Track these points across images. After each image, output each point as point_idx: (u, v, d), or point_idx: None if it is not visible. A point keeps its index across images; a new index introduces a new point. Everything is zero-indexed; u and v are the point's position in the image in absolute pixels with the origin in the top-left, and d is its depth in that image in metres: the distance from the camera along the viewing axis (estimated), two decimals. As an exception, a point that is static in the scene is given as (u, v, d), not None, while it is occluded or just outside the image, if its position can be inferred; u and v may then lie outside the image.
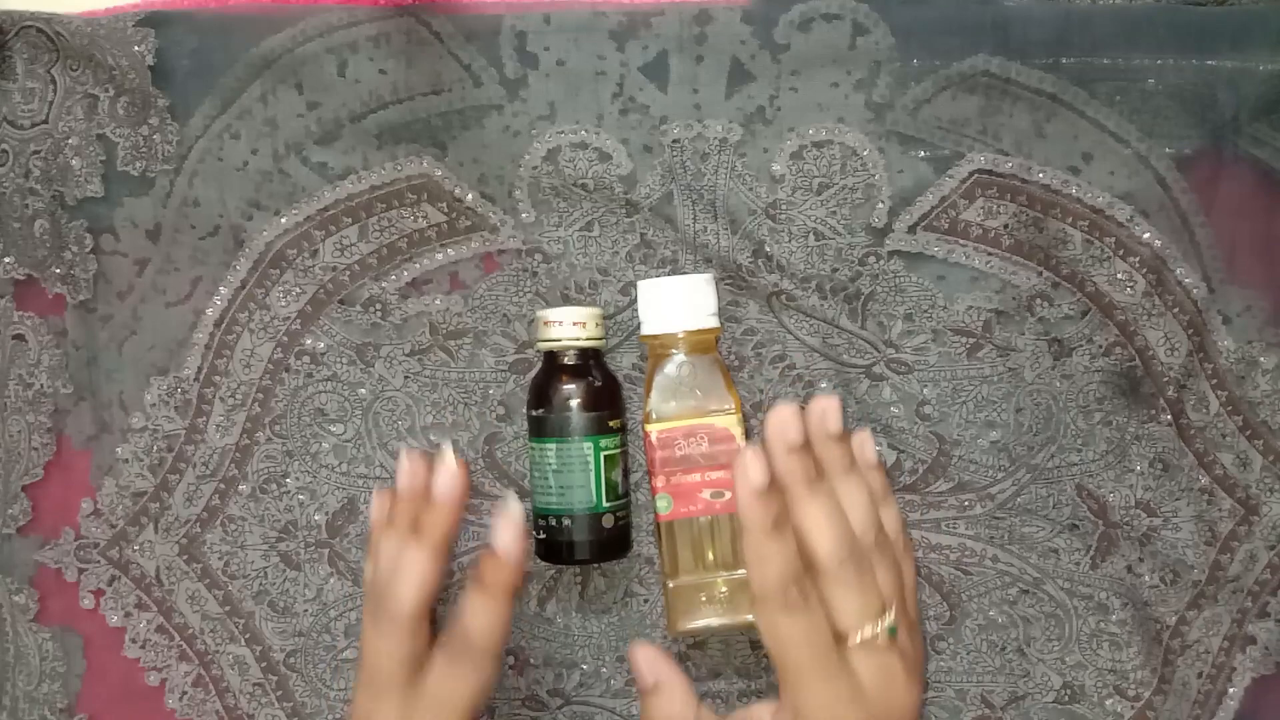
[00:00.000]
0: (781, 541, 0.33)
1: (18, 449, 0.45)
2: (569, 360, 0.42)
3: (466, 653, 0.35)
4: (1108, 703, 0.44)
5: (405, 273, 0.45)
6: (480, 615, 0.35)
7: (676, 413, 0.40)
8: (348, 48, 0.44)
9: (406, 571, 0.35)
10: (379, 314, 0.45)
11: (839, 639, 0.34)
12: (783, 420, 0.33)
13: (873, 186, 0.44)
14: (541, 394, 0.41)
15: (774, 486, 0.33)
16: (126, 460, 0.45)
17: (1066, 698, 0.44)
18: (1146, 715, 0.43)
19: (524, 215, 0.45)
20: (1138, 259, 0.44)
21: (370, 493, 0.45)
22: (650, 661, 0.37)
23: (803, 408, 0.34)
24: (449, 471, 0.36)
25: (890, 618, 0.34)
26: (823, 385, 0.44)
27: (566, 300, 0.45)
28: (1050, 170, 0.44)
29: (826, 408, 0.35)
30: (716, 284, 0.42)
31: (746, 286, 0.44)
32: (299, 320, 0.45)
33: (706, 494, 0.39)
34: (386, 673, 0.35)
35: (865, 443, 0.38)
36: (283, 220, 0.45)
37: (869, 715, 0.33)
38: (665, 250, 0.45)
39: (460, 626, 0.35)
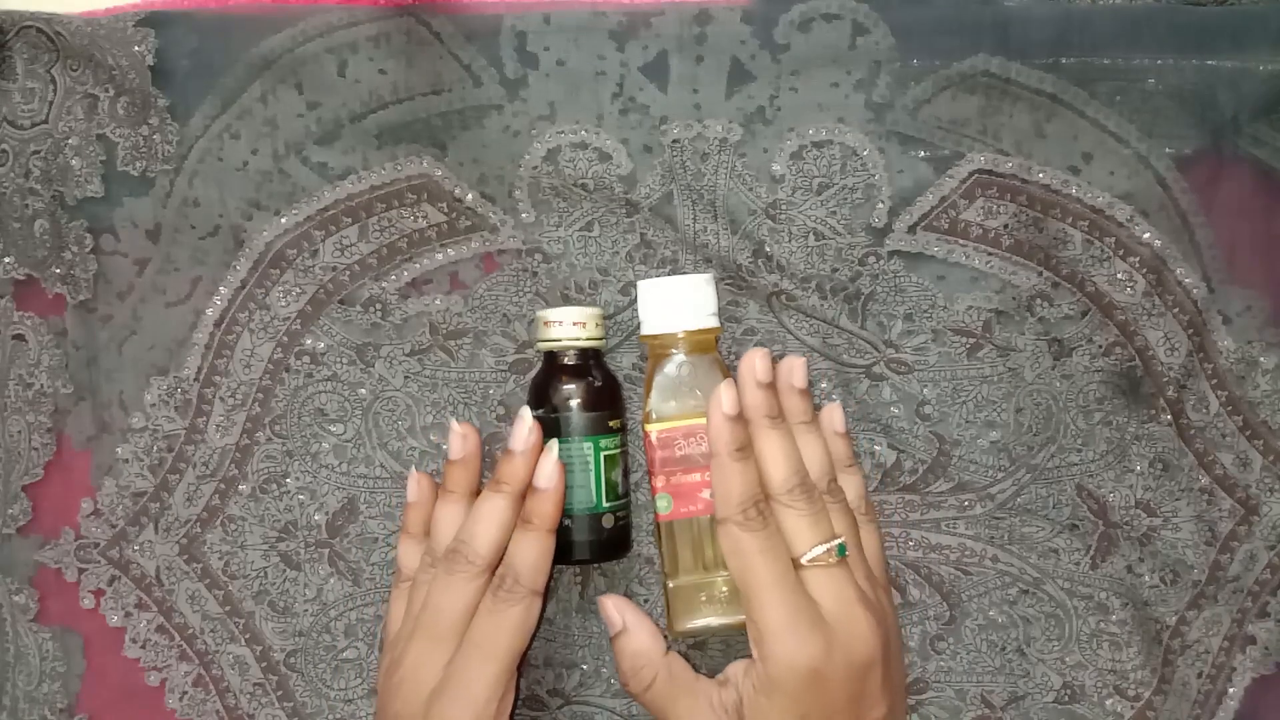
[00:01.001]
0: (744, 463, 0.37)
1: (18, 449, 0.45)
2: (569, 360, 0.41)
3: (515, 590, 0.38)
4: (1108, 703, 0.44)
5: (405, 273, 0.45)
6: (528, 551, 0.38)
7: (676, 413, 0.40)
8: (348, 48, 0.44)
9: (490, 517, 0.38)
10: (379, 314, 0.45)
11: (796, 565, 0.36)
12: (754, 360, 0.38)
13: (873, 186, 0.44)
14: (541, 394, 0.41)
15: (742, 418, 0.37)
16: (126, 460, 0.45)
17: (1066, 698, 0.44)
18: (1146, 715, 0.43)
19: (524, 215, 0.45)
20: (1138, 259, 0.44)
21: (370, 493, 0.45)
22: (618, 605, 0.40)
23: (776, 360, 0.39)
24: (528, 425, 0.39)
25: (839, 541, 0.37)
26: (823, 385, 0.44)
27: (566, 300, 0.45)
28: (1050, 170, 0.44)
29: (794, 364, 0.40)
30: (716, 284, 0.42)
31: (746, 286, 0.44)
32: (299, 320, 0.45)
33: (706, 494, 0.39)
34: (451, 620, 0.38)
35: (834, 411, 0.42)
36: (283, 220, 0.45)
37: (829, 639, 0.35)
38: (665, 250, 0.45)
39: (508, 565, 0.38)
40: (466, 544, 0.38)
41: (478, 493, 0.41)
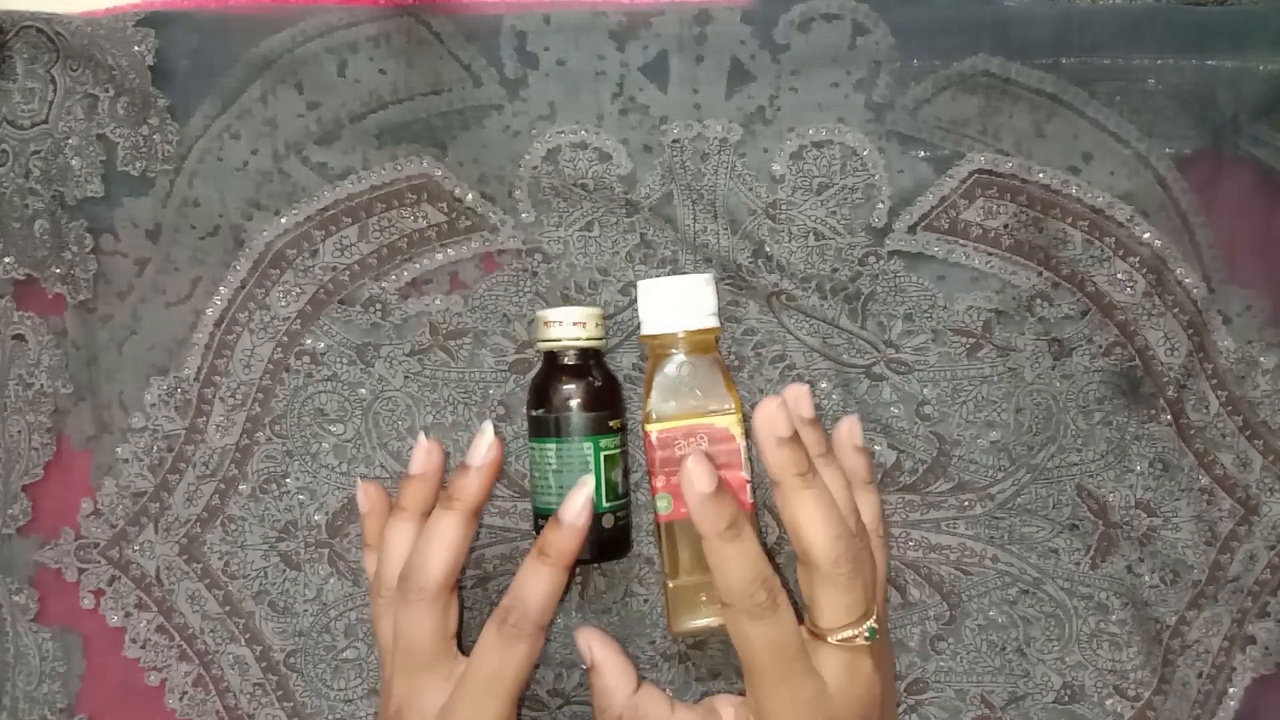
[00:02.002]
0: (739, 543, 0.33)
1: (18, 449, 0.45)
2: (569, 360, 0.41)
3: (522, 626, 0.36)
4: (1108, 703, 0.44)
5: (405, 273, 0.45)
6: (540, 584, 0.36)
7: (676, 413, 0.40)
8: (348, 48, 0.44)
9: (439, 538, 0.36)
10: (379, 314, 0.45)
11: (816, 634, 0.34)
12: (770, 414, 0.34)
13: (873, 186, 0.44)
14: (541, 394, 0.41)
15: (722, 488, 0.34)
16: (126, 460, 0.45)
17: (1066, 698, 0.44)
18: (1146, 715, 0.43)
19: (524, 215, 0.45)
20: (1138, 259, 0.44)
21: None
22: (588, 639, 0.39)
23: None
24: (487, 440, 0.38)
25: (872, 621, 0.34)
26: (823, 385, 0.44)
27: (566, 300, 0.45)
28: (1050, 170, 0.44)
29: (799, 395, 0.37)
30: (716, 284, 0.42)
31: (746, 286, 0.44)
32: (299, 320, 0.45)
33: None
34: (424, 647, 0.36)
35: (852, 426, 0.40)
36: (283, 220, 0.45)
37: (830, 714, 0.34)
38: (665, 250, 0.45)
39: (517, 597, 0.36)
40: (418, 569, 0.36)
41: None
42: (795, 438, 0.34)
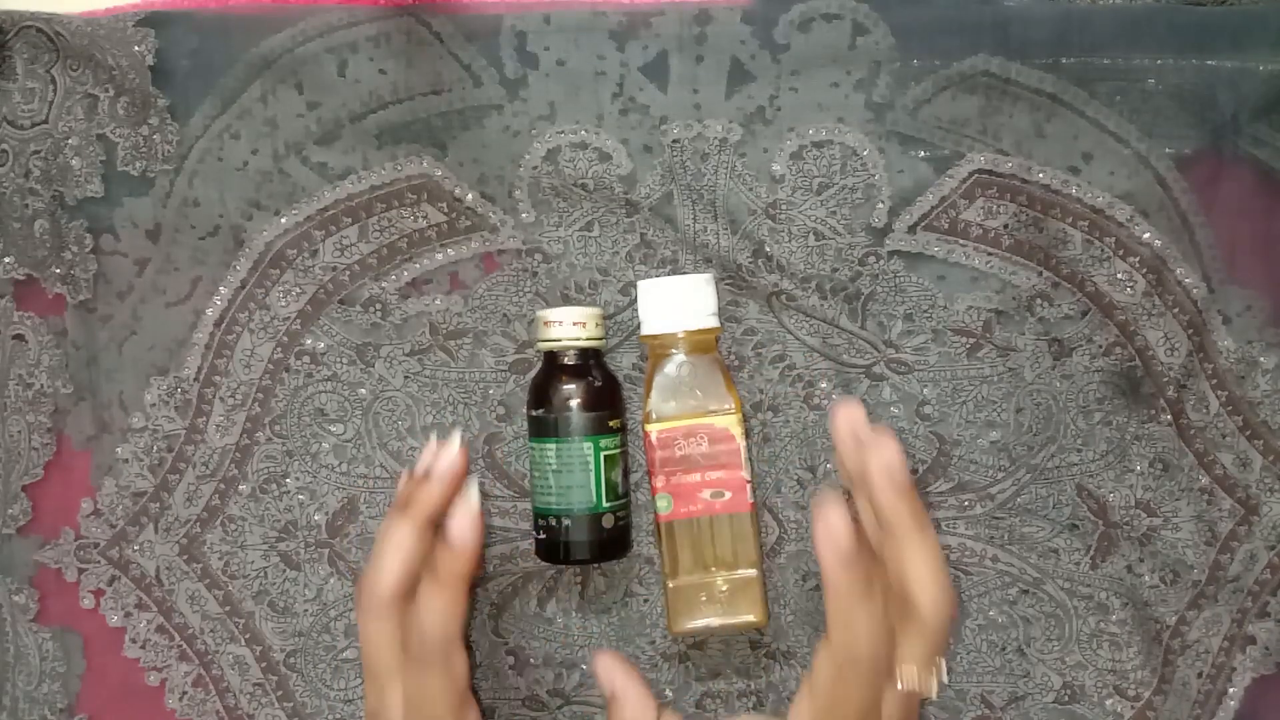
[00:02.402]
0: (872, 602, 0.31)
1: (18, 449, 0.45)
2: (569, 360, 0.41)
3: (424, 650, 0.34)
4: (1108, 703, 0.44)
5: (405, 273, 0.45)
6: (435, 608, 0.35)
7: (676, 413, 0.40)
8: (348, 48, 0.44)
9: (387, 545, 0.35)
10: (379, 314, 0.45)
11: (888, 674, 0.33)
12: (890, 460, 0.32)
13: (873, 186, 0.44)
14: (541, 394, 0.41)
15: (862, 542, 0.32)
16: (126, 460, 0.45)
17: (1066, 698, 0.44)
18: (1146, 715, 0.43)
19: (524, 215, 0.45)
20: (1138, 259, 0.44)
21: (370, 493, 0.45)
22: (608, 672, 0.38)
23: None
24: (450, 453, 0.36)
25: (943, 673, 0.33)
26: (823, 385, 0.44)
27: (566, 300, 0.45)
28: (1050, 170, 0.44)
29: (895, 463, 0.33)
30: (716, 284, 0.42)
31: (746, 286, 0.44)
32: (299, 320, 0.45)
33: (706, 494, 0.39)
34: (380, 659, 0.35)
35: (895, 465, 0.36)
36: (283, 220, 0.45)
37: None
38: (665, 250, 0.45)
39: (416, 624, 0.35)
40: (371, 574, 0.36)
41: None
42: (914, 486, 0.33)
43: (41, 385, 0.45)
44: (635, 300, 0.42)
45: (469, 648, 0.39)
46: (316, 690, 0.45)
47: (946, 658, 0.35)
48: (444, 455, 0.36)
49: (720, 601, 0.40)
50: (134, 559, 0.45)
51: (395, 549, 0.35)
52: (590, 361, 0.42)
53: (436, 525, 0.36)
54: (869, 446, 0.32)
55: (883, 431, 0.33)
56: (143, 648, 0.45)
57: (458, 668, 0.35)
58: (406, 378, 0.45)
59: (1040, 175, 0.44)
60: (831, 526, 0.31)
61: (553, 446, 0.40)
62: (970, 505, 0.44)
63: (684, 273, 0.44)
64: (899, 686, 0.32)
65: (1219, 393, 0.44)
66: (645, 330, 0.41)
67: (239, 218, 0.45)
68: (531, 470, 0.42)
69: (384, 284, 0.45)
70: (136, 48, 0.44)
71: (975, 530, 0.44)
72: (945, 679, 0.33)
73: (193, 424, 0.45)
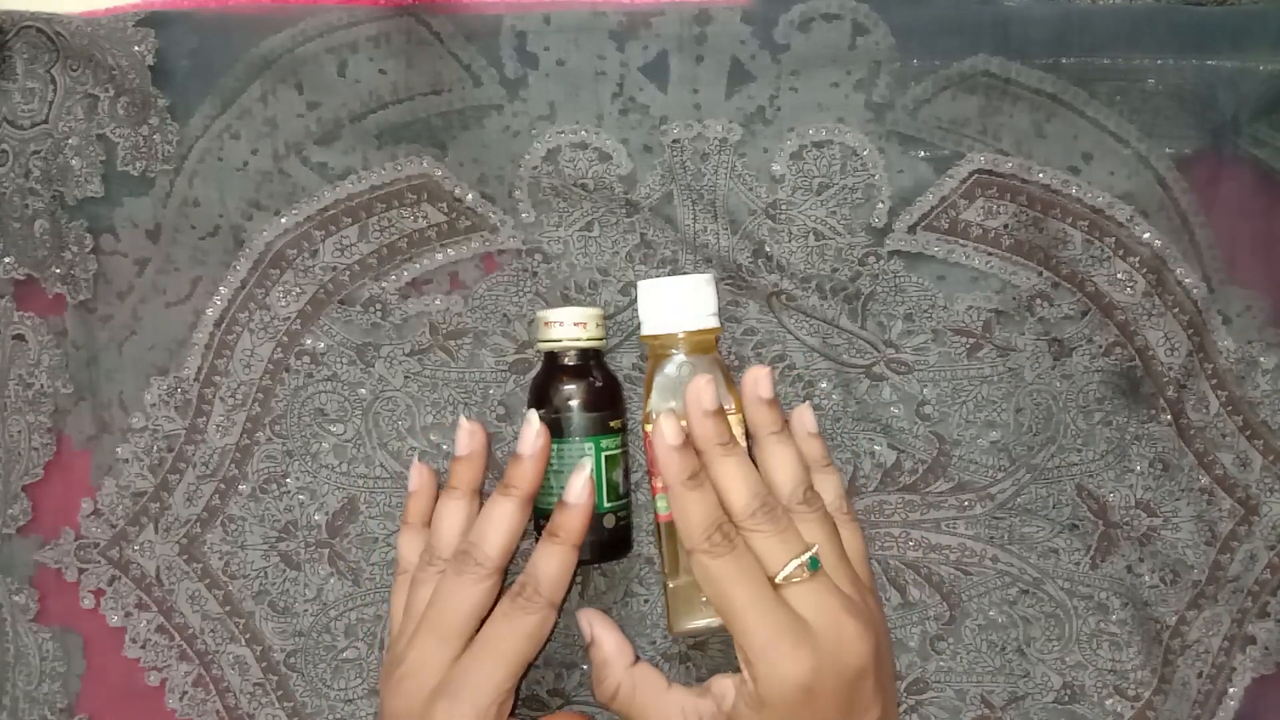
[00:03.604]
0: (699, 490, 0.37)
1: (18, 449, 0.45)
2: (569, 360, 0.41)
3: (535, 600, 0.38)
4: (1108, 703, 0.44)
5: (405, 273, 0.45)
6: (552, 563, 0.38)
7: (677, 413, 0.40)
8: (348, 48, 0.44)
9: (499, 521, 0.39)
10: (379, 314, 0.45)
11: (775, 587, 0.36)
12: (698, 389, 0.38)
13: (873, 186, 0.44)
14: (542, 394, 0.41)
15: (688, 445, 0.37)
16: (126, 460, 0.45)
17: (1066, 698, 0.44)
18: (1146, 715, 0.43)
19: (524, 215, 0.45)
20: (1138, 259, 0.44)
21: (370, 493, 0.45)
22: (588, 618, 0.41)
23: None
24: (534, 430, 0.39)
25: (810, 554, 0.36)
26: (823, 385, 0.44)
27: (566, 300, 0.45)
28: (1050, 170, 0.44)
29: (759, 375, 0.39)
30: (716, 284, 0.42)
31: (746, 286, 0.44)
32: (299, 320, 0.45)
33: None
34: (459, 620, 0.38)
35: (804, 413, 0.42)
36: (283, 220, 0.45)
37: (817, 652, 0.35)
38: (665, 250, 0.45)
39: (530, 574, 0.38)
40: (477, 546, 0.38)
41: (480, 491, 0.41)
42: (719, 412, 0.38)
43: (41, 385, 0.45)
44: (635, 300, 0.42)
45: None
46: (316, 690, 0.45)
47: (866, 576, 0.40)
48: (533, 436, 0.39)
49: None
50: (134, 559, 0.45)
51: (506, 524, 0.39)
52: (590, 362, 0.42)
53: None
54: (696, 380, 0.38)
55: (755, 374, 0.39)
56: (143, 648, 0.45)
57: (549, 623, 0.39)
58: (406, 378, 0.45)
59: (1040, 175, 0.44)
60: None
61: (553, 446, 0.40)
62: (970, 505, 0.44)
63: (684, 273, 0.44)
64: (779, 578, 0.36)
65: (1219, 393, 0.44)
66: (645, 330, 0.41)
67: (239, 218, 0.45)
68: (531, 470, 0.42)
69: (384, 284, 0.45)
70: (136, 48, 0.44)
71: (975, 530, 0.44)
72: (815, 555, 0.37)
73: (193, 424, 0.45)
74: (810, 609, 0.36)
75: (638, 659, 0.40)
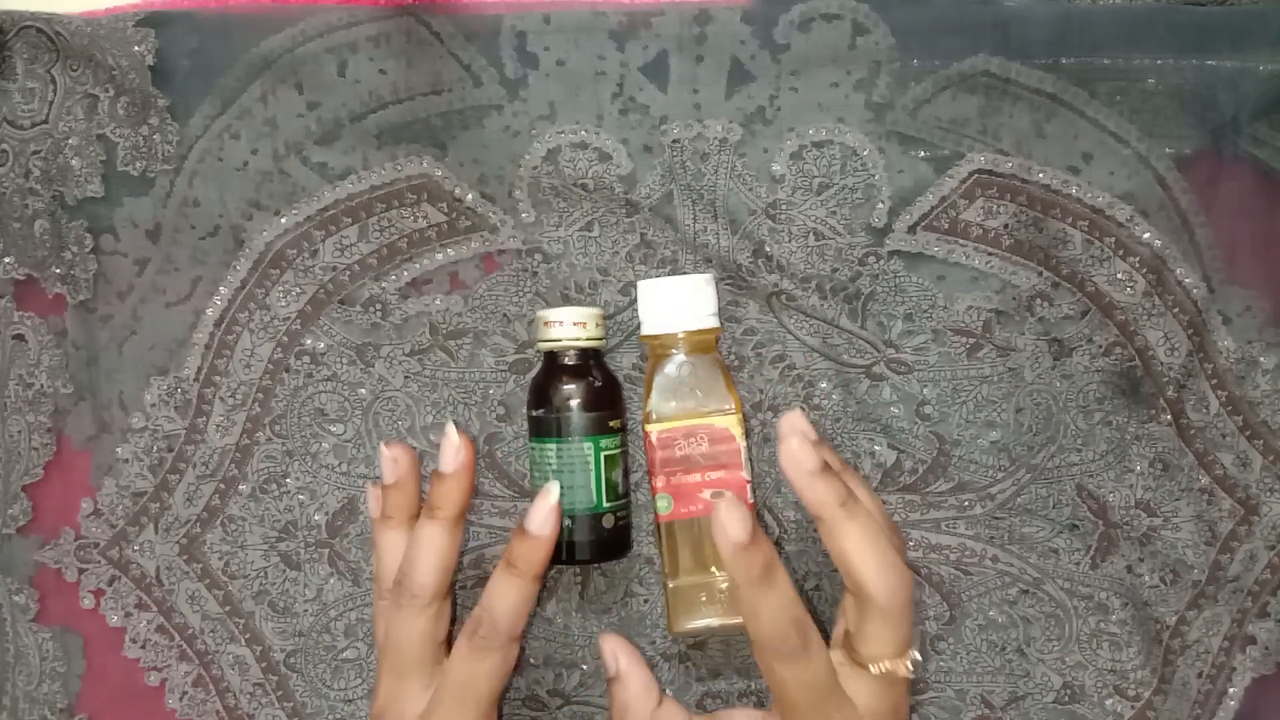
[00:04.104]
0: (773, 591, 0.33)
1: (18, 449, 0.45)
2: (569, 360, 0.41)
3: (491, 638, 0.36)
4: (1108, 703, 0.44)
5: (405, 273, 0.45)
6: (507, 597, 0.36)
7: (676, 413, 0.40)
8: (348, 48, 0.44)
9: (425, 548, 0.36)
10: (379, 314, 0.45)
11: (857, 661, 0.34)
12: (794, 451, 0.33)
13: (873, 186, 0.44)
14: (541, 394, 0.41)
15: (757, 534, 0.33)
16: (126, 460, 0.45)
17: (1066, 698, 0.44)
18: (1146, 715, 0.43)
19: (524, 215, 0.45)
20: (1138, 259, 0.44)
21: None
22: (614, 648, 0.38)
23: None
24: (453, 445, 0.37)
25: (915, 651, 0.34)
26: (823, 385, 0.44)
27: (566, 300, 0.45)
28: (1050, 170, 0.44)
29: (796, 421, 0.35)
30: (716, 284, 0.42)
31: (746, 286, 0.44)
32: (299, 320, 0.45)
33: (707, 494, 0.39)
34: (411, 653, 0.36)
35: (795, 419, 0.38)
36: (283, 220, 0.45)
37: None
38: (665, 250, 0.45)
39: (486, 609, 0.36)
40: (409, 576, 0.37)
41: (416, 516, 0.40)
42: (827, 467, 0.33)
43: (41, 385, 0.45)
44: (635, 300, 0.42)
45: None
46: (316, 690, 0.45)
47: (919, 638, 0.37)
48: (450, 451, 0.37)
49: (720, 601, 0.40)
50: (134, 559, 0.45)
51: (433, 549, 0.36)
52: (590, 361, 0.42)
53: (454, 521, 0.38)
54: (780, 442, 0.34)
55: (794, 423, 0.35)
56: (143, 648, 0.45)
57: (513, 655, 0.37)
58: (406, 378, 0.45)
59: (1040, 175, 0.44)
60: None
61: (553, 446, 0.40)
62: (970, 505, 0.44)
63: (684, 273, 0.44)
64: (873, 671, 0.33)
65: (1219, 393, 0.44)
66: (645, 330, 0.41)
67: (239, 218, 0.45)
68: (532, 470, 0.42)
69: (384, 284, 0.45)
70: (136, 48, 0.44)
71: (975, 530, 0.44)
72: (918, 657, 0.34)
73: (193, 424, 0.45)
74: (871, 695, 0.34)
75: (662, 697, 0.38)
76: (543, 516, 0.36)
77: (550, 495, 0.37)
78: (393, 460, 0.39)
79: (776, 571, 0.33)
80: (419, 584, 0.36)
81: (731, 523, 0.32)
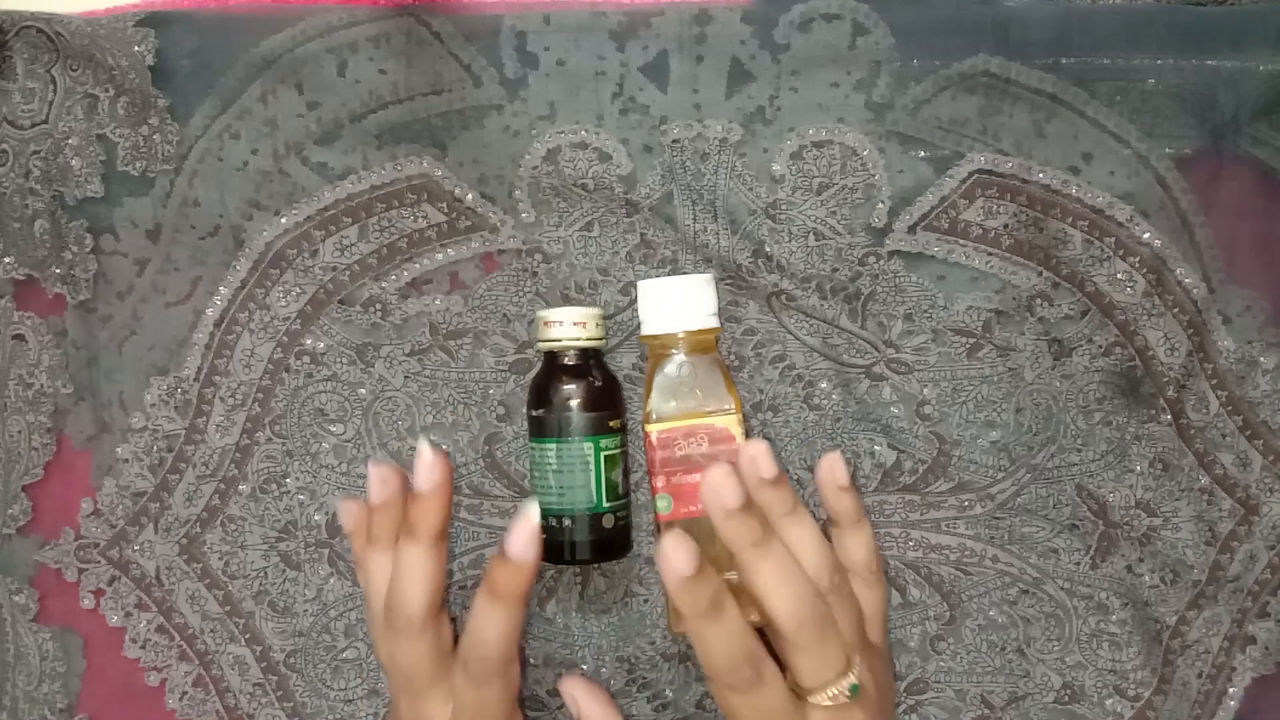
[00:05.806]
0: (720, 624, 0.32)
1: (18, 449, 0.45)
2: (569, 360, 0.41)
3: (484, 664, 0.35)
4: (1108, 703, 0.44)
5: (405, 273, 0.45)
6: (493, 623, 0.34)
7: (676, 413, 0.40)
8: (348, 48, 0.44)
9: (409, 572, 0.35)
10: (379, 314, 0.45)
11: (801, 694, 0.34)
12: (716, 484, 0.32)
13: (873, 186, 0.44)
14: (541, 394, 0.41)
15: (703, 568, 0.32)
16: (126, 460, 0.45)
17: (1066, 698, 0.44)
18: (1146, 715, 0.43)
19: (524, 215, 0.45)
20: (1138, 259, 0.44)
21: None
22: (571, 694, 0.39)
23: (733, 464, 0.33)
24: (427, 463, 0.35)
25: (852, 677, 0.33)
26: (823, 385, 0.44)
27: (566, 300, 0.45)
28: (1050, 170, 0.44)
29: (756, 454, 0.33)
30: (716, 284, 0.42)
31: (746, 286, 0.44)
32: (299, 320, 0.45)
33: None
34: (423, 674, 0.36)
35: (835, 465, 0.36)
36: (283, 220, 0.45)
37: None
38: (665, 250, 0.45)
39: (473, 638, 0.35)
40: (397, 602, 0.35)
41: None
42: (746, 507, 0.32)
43: (41, 385, 0.45)
44: (635, 300, 0.42)
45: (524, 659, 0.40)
46: (316, 690, 0.45)
47: (881, 638, 0.37)
48: (425, 470, 0.35)
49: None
50: (134, 559, 0.45)
51: (417, 573, 0.35)
52: (590, 361, 0.42)
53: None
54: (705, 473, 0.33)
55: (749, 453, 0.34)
56: (143, 648, 0.45)
57: (515, 677, 0.36)
58: (406, 378, 0.45)
59: (1040, 175, 0.44)
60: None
61: (553, 446, 0.40)
62: (970, 505, 0.44)
63: (684, 273, 0.44)
64: (817, 701, 0.33)
65: (1219, 393, 0.44)
66: (645, 330, 0.41)
67: (239, 218, 0.45)
68: (532, 470, 0.42)
69: (384, 284, 0.45)
70: (136, 48, 0.44)
71: (975, 530, 0.44)
72: (855, 680, 0.33)
73: (193, 424, 0.45)
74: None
75: None
76: (524, 541, 0.34)
77: (530, 517, 0.34)
78: (382, 481, 0.36)
79: (725, 603, 0.32)
80: (410, 613, 0.35)
81: (677, 555, 0.31)
